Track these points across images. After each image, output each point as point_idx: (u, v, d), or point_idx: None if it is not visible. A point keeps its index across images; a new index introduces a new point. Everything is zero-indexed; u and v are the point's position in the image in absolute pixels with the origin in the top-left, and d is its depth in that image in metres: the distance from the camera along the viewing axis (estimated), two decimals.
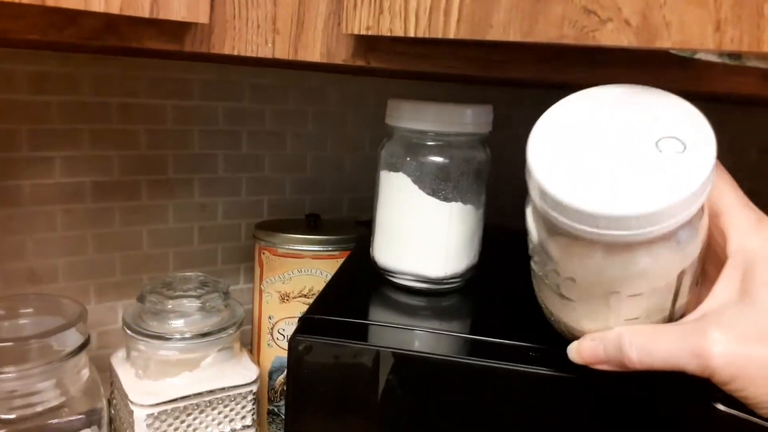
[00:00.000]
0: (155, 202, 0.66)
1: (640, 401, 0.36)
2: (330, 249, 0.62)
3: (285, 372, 0.64)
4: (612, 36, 0.31)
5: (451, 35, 0.34)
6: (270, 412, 0.65)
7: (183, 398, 0.52)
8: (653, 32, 0.30)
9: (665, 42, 0.30)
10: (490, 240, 0.50)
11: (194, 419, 0.53)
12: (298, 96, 0.73)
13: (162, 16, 0.34)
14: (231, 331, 0.55)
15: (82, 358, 0.50)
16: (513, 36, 0.32)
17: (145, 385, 0.52)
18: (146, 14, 0.33)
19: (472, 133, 0.46)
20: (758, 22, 0.28)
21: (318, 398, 0.40)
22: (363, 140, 0.79)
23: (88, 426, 0.50)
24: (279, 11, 0.39)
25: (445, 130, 0.45)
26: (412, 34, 0.35)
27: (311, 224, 0.66)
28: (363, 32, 0.37)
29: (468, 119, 0.45)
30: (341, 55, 0.40)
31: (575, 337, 0.35)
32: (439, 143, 0.46)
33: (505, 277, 0.52)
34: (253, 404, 0.56)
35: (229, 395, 0.54)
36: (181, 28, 0.37)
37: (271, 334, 0.64)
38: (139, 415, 0.50)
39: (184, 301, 0.55)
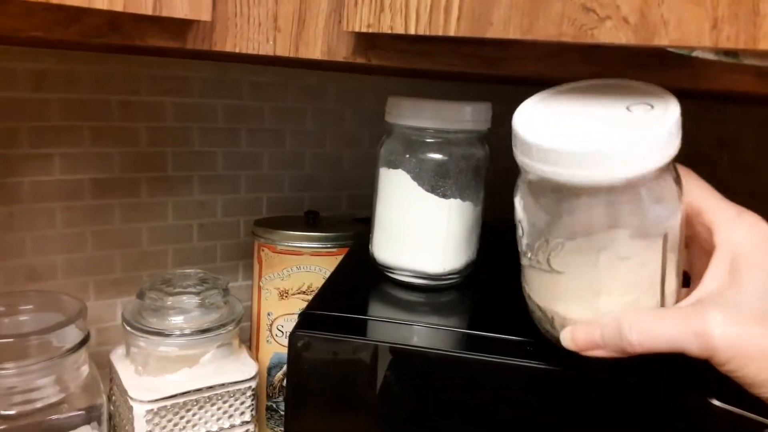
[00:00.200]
0: (155, 200, 0.67)
1: (636, 396, 0.36)
2: (329, 246, 0.62)
3: (284, 368, 0.64)
4: (611, 34, 0.31)
5: (452, 33, 0.34)
6: (269, 408, 0.66)
7: (182, 394, 0.52)
8: (651, 30, 0.30)
9: (663, 40, 0.30)
10: (488, 237, 0.50)
11: (193, 415, 0.53)
12: (297, 93, 0.73)
13: (165, 13, 0.34)
14: (230, 328, 0.56)
15: (82, 354, 0.50)
16: (513, 33, 0.32)
17: (145, 381, 0.53)
18: (149, 12, 0.33)
19: (471, 130, 0.46)
20: (754, 20, 0.28)
21: (318, 393, 0.40)
22: (362, 137, 0.79)
23: (88, 422, 0.51)
24: (280, 9, 0.40)
25: (444, 128, 0.45)
26: (412, 32, 0.35)
27: (310, 221, 0.66)
28: (364, 30, 0.37)
29: (467, 116, 0.46)
30: (342, 53, 0.40)
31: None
32: (438, 140, 0.46)
33: (502, 273, 0.52)
34: (252, 400, 0.56)
35: (228, 391, 0.54)
36: (183, 26, 0.37)
37: (270, 331, 0.64)
38: (139, 411, 0.50)
39: (184, 297, 0.55)
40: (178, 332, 0.53)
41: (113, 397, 0.56)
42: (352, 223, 0.69)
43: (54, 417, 0.48)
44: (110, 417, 0.56)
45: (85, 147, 0.62)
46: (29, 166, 0.59)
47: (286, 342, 0.63)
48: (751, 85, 0.37)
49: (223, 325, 0.55)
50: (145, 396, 0.51)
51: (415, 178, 0.46)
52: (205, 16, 0.36)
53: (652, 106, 0.32)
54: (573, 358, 0.34)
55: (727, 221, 0.33)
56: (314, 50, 0.41)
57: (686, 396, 0.35)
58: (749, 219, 0.33)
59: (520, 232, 0.36)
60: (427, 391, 0.39)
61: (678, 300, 0.35)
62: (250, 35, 0.40)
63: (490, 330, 0.41)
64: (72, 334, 0.49)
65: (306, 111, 0.74)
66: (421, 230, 0.46)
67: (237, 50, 0.39)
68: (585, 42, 0.32)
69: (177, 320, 0.54)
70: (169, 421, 0.52)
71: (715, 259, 0.32)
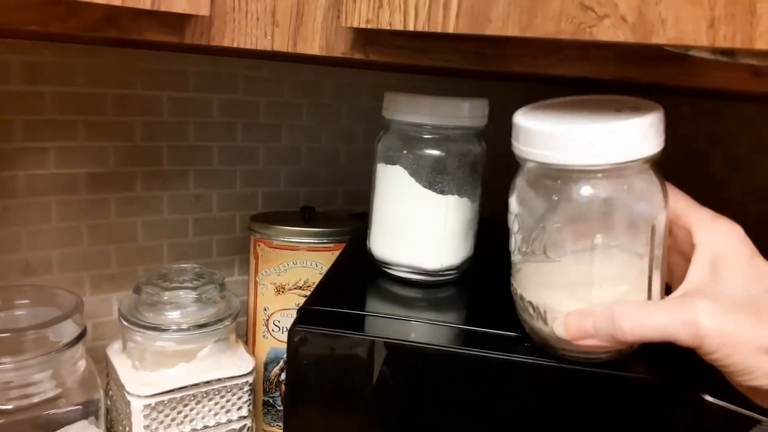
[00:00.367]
0: (150, 194, 0.67)
1: (630, 392, 0.36)
2: (325, 241, 0.62)
3: (280, 363, 0.65)
4: (609, 32, 0.31)
5: (450, 29, 0.34)
6: (265, 403, 0.66)
7: (180, 389, 0.52)
8: (649, 29, 0.30)
9: (660, 38, 0.30)
10: (485, 233, 0.50)
11: (191, 410, 0.53)
12: (293, 88, 0.73)
13: (163, 8, 0.34)
14: (227, 323, 0.56)
15: (79, 349, 0.50)
16: (512, 30, 0.33)
17: (142, 376, 0.53)
18: (147, 6, 0.33)
19: (468, 126, 0.46)
20: (751, 20, 0.28)
21: (317, 388, 0.40)
22: (357, 133, 0.79)
23: (85, 417, 0.51)
24: (278, 4, 0.40)
25: (441, 124, 0.46)
26: (411, 28, 0.35)
27: (306, 217, 0.66)
28: (362, 25, 0.37)
29: (465, 113, 0.46)
30: (340, 48, 0.40)
31: (551, 339, 0.36)
32: (435, 136, 0.46)
33: (499, 269, 0.52)
34: (249, 395, 0.56)
35: (225, 386, 0.55)
36: (181, 20, 0.37)
37: (267, 326, 0.64)
38: (136, 405, 0.50)
39: (181, 292, 0.55)
40: (174, 327, 0.53)
41: (110, 392, 0.56)
42: (349, 219, 0.69)
43: (51, 412, 0.48)
44: (107, 412, 0.56)
45: (80, 141, 0.61)
46: (24, 159, 0.59)
47: (282, 337, 0.64)
48: (747, 83, 0.37)
49: (220, 320, 0.55)
50: (143, 391, 0.51)
51: (412, 174, 0.46)
52: (203, 10, 0.36)
53: (639, 109, 0.34)
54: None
55: (705, 223, 0.35)
56: (312, 46, 0.41)
57: (679, 392, 0.36)
58: (725, 222, 0.35)
59: (515, 227, 0.38)
60: (425, 387, 0.39)
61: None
62: (248, 30, 0.40)
63: (487, 326, 0.41)
64: (69, 329, 0.49)
65: (302, 106, 0.74)
66: (418, 226, 0.47)
67: (235, 45, 0.39)
68: (583, 40, 0.32)
69: (174, 315, 0.54)
70: (167, 416, 0.52)
71: (697, 257, 0.34)
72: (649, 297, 0.35)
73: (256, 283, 0.64)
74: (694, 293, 0.33)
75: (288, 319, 0.63)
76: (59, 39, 0.54)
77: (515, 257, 0.38)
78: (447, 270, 0.47)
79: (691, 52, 0.33)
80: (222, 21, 0.39)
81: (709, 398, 0.35)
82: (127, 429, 0.52)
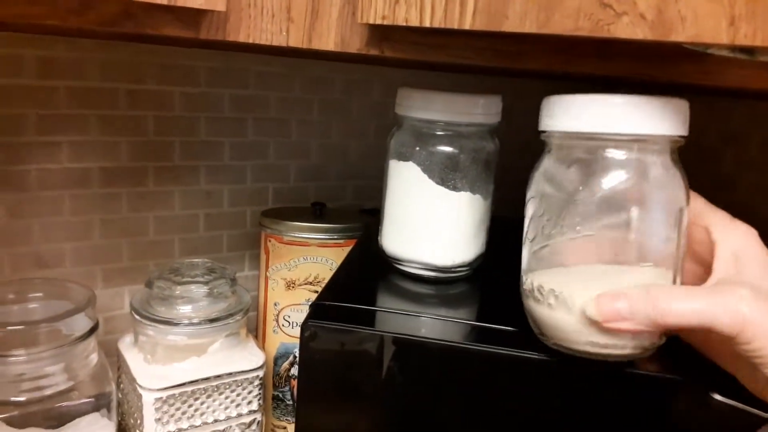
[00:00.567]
0: (161, 189, 0.67)
1: (640, 390, 0.36)
2: (336, 237, 0.63)
3: (290, 358, 0.65)
4: (627, 29, 0.31)
5: (467, 26, 0.34)
6: (275, 398, 0.66)
7: (191, 383, 0.52)
8: (668, 26, 0.30)
9: (680, 36, 0.30)
10: (498, 230, 0.50)
11: (201, 404, 0.53)
12: (304, 84, 0.73)
13: (180, 3, 0.34)
14: (238, 317, 0.56)
15: (91, 342, 0.51)
16: (529, 27, 0.32)
17: (154, 369, 0.53)
18: (164, 1, 0.33)
19: (481, 123, 0.46)
20: None
21: (329, 382, 0.40)
22: (368, 128, 0.79)
23: (97, 410, 0.51)
24: (294, 0, 0.40)
25: (455, 120, 0.45)
26: (427, 24, 0.35)
27: (317, 212, 0.66)
28: (378, 22, 0.37)
29: (478, 109, 0.46)
30: (355, 45, 0.40)
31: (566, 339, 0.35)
32: (448, 133, 0.46)
33: (511, 266, 0.52)
34: (260, 389, 0.57)
35: (236, 380, 0.55)
36: (197, 16, 0.37)
37: (277, 321, 0.64)
38: (148, 399, 0.51)
39: (192, 287, 0.55)
40: (186, 321, 0.53)
41: (122, 385, 0.57)
42: (359, 215, 0.69)
43: (63, 404, 0.48)
44: (119, 405, 0.56)
45: (92, 135, 0.62)
46: (37, 153, 0.59)
47: (292, 332, 0.64)
48: (765, 82, 0.37)
49: (231, 315, 0.55)
50: (154, 384, 0.51)
51: (425, 171, 0.46)
52: (219, 6, 0.36)
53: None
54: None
55: (724, 223, 0.35)
56: (327, 42, 0.41)
57: (688, 389, 0.36)
58: (742, 224, 0.35)
59: (539, 210, 0.37)
60: (436, 383, 0.39)
61: None
62: (264, 26, 0.40)
63: (499, 322, 0.41)
64: (81, 322, 0.49)
65: (312, 101, 0.74)
66: (430, 223, 0.47)
67: (251, 41, 0.39)
68: (601, 37, 0.32)
69: (185, 309, 0.54)
70: (177, 409, 0.52)
71: (720, 253, 0.34)
72: (675, 283, 0.35)
73: (266, 278, 0.64)
74: (728, 282, 0.33)
75: (298, 315, 0.63)
76: (74, 34, 0.54)
77: (535, 244, 0.37)
78: (459, 267, 0.47)
79: (710, 51, 0.33)
80: (237, 17, 0.39)
81: (717, 396, 0.35)
82: (139, 422, 0.52)
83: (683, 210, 0.35)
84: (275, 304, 0.64)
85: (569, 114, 0.35)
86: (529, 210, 0.38)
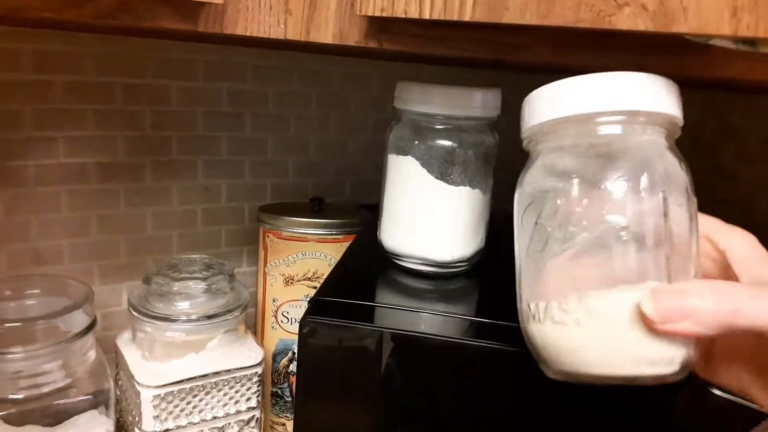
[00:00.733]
0: (159, 184, 0.66)
1: (639, 386, 0.36)
2: (334, 233, 0.62)
3: (289, 354, 0.65)
4: (628, 21, 0.31)
5: (467, 18, 0.34)
6: (273, 394, 0.66)
7: (189, 380, 0.52)
8: (670, 17, 0.30)
9: (682, 27, 0.30)
10: (497, 225, 0.50)
11: (200, 400, 0.53)
12: (302, 78, 0.73)
13: None
14: (236, 314, 0.56)
15: (89, 339, 0.50)
16: (529, 19, 0.32)
17: (152, 366, 0.53)
18: None
19: (480, 116, 0.46)
20: None
21: (327, 378, 0.40)
22: (366, 123, 0.78)
23: (95, 407, 0.51)
24: None
25: (454, 114, 0.45)
26: (427, 16, 0.35)
27: (315, 208, 0.66)
28: (377, 14, 0.36)
29: (477, 103, 0.45)
30: (354, 37, 0.40)
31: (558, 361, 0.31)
32: (447, 127, 0.46)
33: (511, 261, 0.52)
34: (258, 386, 0.56)
35: (234, 377, 0.54)
36: (195, 8, 0.36)
37: (275, 317, 0.64)
38: (146, 396, 0.50)
39: (190, 283, 0.55)
40: (184, 317, 0.53)
41: (120, 382, 0.56)
42: (358, 210, 0.69)
43: (61, 401, 0.48)
44: (117, 402, 0.56)
45: (89, 130, 0.61)
46: (33, 149, 0.59)
47: (291, 328, 0.63)
48: (767, 74, 0.37)
49: (230, 311, 0.55)
50: (153, 381, 0.51)
51: (424, 165, 0.46)
52: None
53: None
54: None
55: (725, 228, 0.33)
56: (326, 34, 0.40)
57: (687, 385, 0.35)
58: (739, 229, 0.33)
59: (550, 210, 0.31)
60: (435, 378, 0.39)
61: None
62: (262, 18, 0.39)
63: (498, 317, 0.41)
64: (79, 319, 0.49)
65: (310, 96, 0.74)
66: (429, 217, 0.46)
67: (248, 33, 0.39)
68: (603, 29, 0.31)
69: (183, 305, 0.54)
70: (176, 406, 0.52)
71: (736, 258, 0.32)
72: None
73: (265, 274, 0.64)
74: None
75: (297, 311, 0.63)
76: (71, 27, 0.54)
77: (545, 254, 0.31)
78: (458, 262, 0.47)
79: (712, 42, 0.32)
80: (235, 9, 0.38)
81: (716, 391, 0.34)
82: (137, 419, 0.52)
83: (689, 192, 0.32)
84: (274, 300, 0.64)
85: (579, 95, 0.31)
86: (529, 219, 0.33)
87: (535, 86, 0.35)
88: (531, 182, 0.33)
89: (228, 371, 0.54)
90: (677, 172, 0.31)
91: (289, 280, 0.63)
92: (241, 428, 0.56)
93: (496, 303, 0.45)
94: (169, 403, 0.51)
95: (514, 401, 0.38)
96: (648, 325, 0.28)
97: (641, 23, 0.30)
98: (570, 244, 0.30)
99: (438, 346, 0.39)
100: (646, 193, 0.30)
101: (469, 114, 0.45)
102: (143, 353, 0.54)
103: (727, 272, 0.32)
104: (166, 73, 0.64)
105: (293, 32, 0.40)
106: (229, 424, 0.55)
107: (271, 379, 0.65)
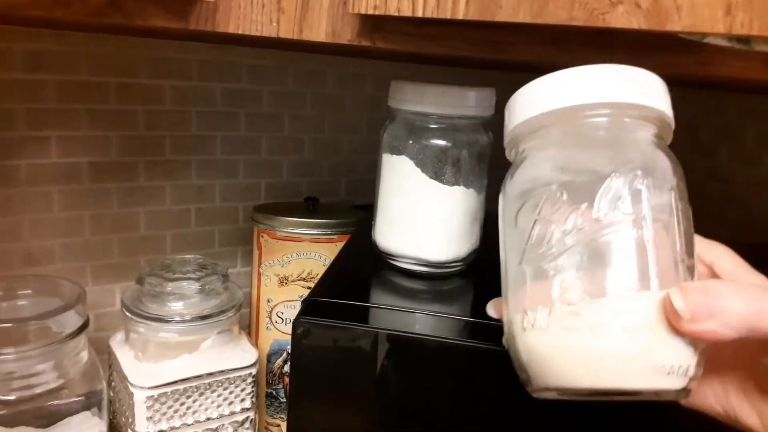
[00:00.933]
0: (152, 184, 0.66)
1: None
2: (329, 233, 0.62)
3: (283, 355, 0.64)
4: (622, 19, 0.31)
5: (460, 16, 0.33)
6: (268, 395, 0.65)
7: (183, 380, 0.52)
8: (664, 15, 0.30)
9: (676, 25, 0.30)
10: (491, 224, 0.50)
11: (194, 401, 0.53)
12: (297, 77, 0.73)
13: None
14: (230, 314, 0.55)
15: (82, 340, 0.50)
16: (523, 17, 0.32)
17: (145, 367, 0.52)
18: None
19: (474, 116, 0.46)
20: None
21: (321, 379, 0.40)
22: (361, 123, 0.78)
23: (88, 408, 0.50)
24: None
25: (448, 113, 0.45)
26: (420, 14, 0.35)
27: (310, 208, 0.65)
28: (370, 12, 0.36)
29: (471, 102, 0.45)
30: (347, 35, 0.40)
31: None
32: (441, 126, 0.45)
33: None
34: (253, 387, 0.56)
35: (228, 378, 0.54)
36: (186, 6, 0.36)
37: (270, 318, 0.64)
38: (139, 397, 0.50)
39: (184, 283, 0.54)
40: (178, 318, 0.53)
41: (113, 383, 0.56)
42: (352, 210, 0.69)
43: (53, 403, 0.48)
44: (110, 403, 0.55)
45: (82, 130, 0.61)
46: (26, 148, 0.58)
47: (285, 329, 0.63)
48: (761, 72, 0.37)
49: (223, 312, 0.55)
50: (146, 382, 0.50)
51: (418, 165, 0.45)
52: None
53: None
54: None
55: (707, 244, 0.32)
56: (318, 32, 0.40)
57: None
58: (719, 243, 0.32)
59: (559, 208, 0.29)
60: (429, 379, 0.39)
61: None
62: (254, 16, 0.39)
63: (492, 318, 0.40)
64: (71, 320, 0.49)
65: (305, 95, 0.74)
66: (424, 217, 0.46)
67: (240, 32, 0.39)
68: (596, 26, 0.31)
69: (177, 306, 0.53)
70: (170, 407, 0.51)
71: (725, 268, 0.31)
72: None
73: (259, 274, 0.64)
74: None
75: (291, 311, 0.63)
76: (63, 26, 0.53)
77: (547, 256, 0.29)
78: (452, 262, 0.47)
79: (706, 40, 0.32)
80: (227, 7, 0.38)
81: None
82: (130, 420, 0.51)
83: (677, 191, 0.30)
84: (268, 301, 0.64)
85: (571, 88, 0.30)
86: (525, 217, 0.31)
87: None
88: (522, 181, 0.32)
89: (222, 372, 0.54)
90: (670, 173, 0.30)
91: (283, 281, 0.63)
92: (236, 429, 0.56)
93: None
94: (163, 404, 0.51)
95: (508, 402, 0.38)
96: (674, 323, 0.26)
97: (635, 21, 0.30)
98: (573, 243, 0.28)
99: (432, 347, 0.38)
100: (646, 191, 0.28)
101: (463, 113, 0.45)
102: (136, 354, 0.53)
103: None
104: (159, 72, 0.64)
105: (286, 30, 0.40)
106: (224, 425, 0.55)
107: (265, 379, 0.65)
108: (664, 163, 0.30)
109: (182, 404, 0.52)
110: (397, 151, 0.46)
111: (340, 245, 0.58)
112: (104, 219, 0.64)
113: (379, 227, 0.48)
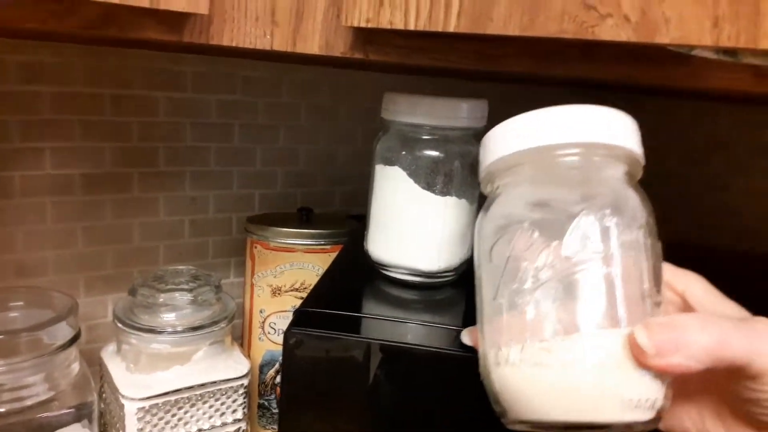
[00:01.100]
0: (146, 195, 0.66)
1: None
2: (322, 243, 0.62)
3: (276, 366, 0.64)
4: (611, 31, 0.31)
5: (452, 29, 0.34)
6: (260, 406, 0.65)
7: (174, 392, 0.51)
8: (652, 28, 0.30)
9: (664, 38, 0.30)
10: None
11: (185, 413, 0.53)
12: (291, 89, 0.73)
13: (162, 6, 0.33)
14: (223, 325, 0.55)
15: (73, 351, 0.50)
16: (513, 30, 0.32)
17: (136, 378, 0.52)
18: (146, 4, 0.33)
19: (467, 127, 0.46)
20: (755, 19, 0.28)
21: (313, 390, 0.40)
22: (355, 134, 0.79)
23: (79, 420, 0.50)
24: (278, 3, 0.39)
25: (440, 124, 0.45)
26: (412, 27, 0.35)
27: (303, 218, 0.65)
28: (363, 24, 0.37)
29: (463, 113, 0.45)
30: (340, 48, 0.40)
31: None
32: (434, 137, 0.46)
33: None
34: (245, 398, 0.56)
35: (220, 389, 0.54)
36: (180, 19, 0.36)
37: (263, 328, 0.64)
38: (130, 408, 0.50)
39: (176, 294, 0.54)
40: (170, 329, 0.52)
41: (104, 395, 0.56)
42: (346, 220, 0.69)
43: (44, 415, 0.47)
44: (101, 415, 0.55)
45: (76, 141, 0.61)
46: (20, 160, 0.58)
47: (278, 339, 0.63)
48: (749, 84, 0.37)
49: (216, 323, 0.54)
50: (137, 393, 0.50)
51: (411, 175, 0.46)
52: (202, 9, 0.36)
53: None
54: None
55: (678, 272, 0.33)
56: (312, 45, 0.40)
57: None
58: (691, 272, 0.33)
59: (532, 243, 0.30)
60: (422, 389, 0.39)
61: None
62: (248, 29, 0.39)
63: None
64: (63, 331, 0.48)
65: (300, 107, 0.74)
66: (416, 227, 0.46)
67: (234, 44, 0.39)
68: (585, 39, 0.31)
69: (169, 317, 0.53)
70: (161, 419, 0.51)
71: (696, 298, 0.32)
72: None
73: (252, 285, 0.64)
74: (748, 321, 0.29)
75: (284, 322, 0.63)
76: (57, 38, 0.53)
77: (520, 293, 0.30)
78: (445, 272, 0.47)
79: (694, 52, 0.33)
80: (221, 20, 0.38)
81: None
82: None
83: (648, 228, 0.31)
84: (261, 311, 0.64)
85: (545, 127, 0.31)
86: (499, 253, 0.31)
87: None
88: (496, 217, 0.33)
89: (214, 383, 0.53)
90: (640, 210, 0.31)
91: (276, 291, 0.63)
92: None
93: None
94: (154, 415, 0.51)
95: None
96: (640, 359, 0.27)
97: (623, 34, 0.31)
98: (545, 279, 0.29)
99: (424, 357, 0.38)
100: (615, 229, 0.29)
101: (456, 125, 0.46)
102: (128, 365, 0.53)
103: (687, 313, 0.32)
104: (154, 84, 0.64)
105: (279, 43, 0.40)
106: None
107: (257, 390, 0.65)
108: (633, 200, 0.31)
109: (174, 416, 0.52)
110: (390, 162, 0.46)
111: (334, 255, 0.58)
112: (97, 230, 0.64)
113: (372, 237, 0.49)
